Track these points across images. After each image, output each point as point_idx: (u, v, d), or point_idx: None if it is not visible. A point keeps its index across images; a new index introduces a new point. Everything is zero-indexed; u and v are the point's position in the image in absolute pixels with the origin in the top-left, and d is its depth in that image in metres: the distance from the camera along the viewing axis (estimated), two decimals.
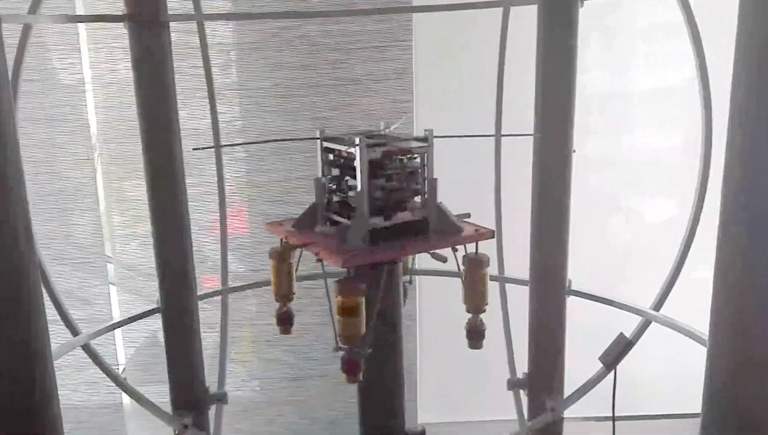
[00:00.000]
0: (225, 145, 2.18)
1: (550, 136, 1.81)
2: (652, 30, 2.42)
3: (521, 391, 2.04)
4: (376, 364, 1.40)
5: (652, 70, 2.48)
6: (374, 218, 1.31)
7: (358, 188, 1.27)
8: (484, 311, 1.45)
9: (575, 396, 1.94)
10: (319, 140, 1.37)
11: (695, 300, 1.77)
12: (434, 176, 1.34)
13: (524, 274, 1.95)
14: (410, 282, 1.53)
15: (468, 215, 1.42)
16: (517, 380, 2.02)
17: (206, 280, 2.40)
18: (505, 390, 2.04)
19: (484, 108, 2.06)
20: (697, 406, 2.72)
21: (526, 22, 1.82)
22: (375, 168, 1.29)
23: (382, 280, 1.33)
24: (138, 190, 2.39)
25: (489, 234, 1.35)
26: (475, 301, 1.43)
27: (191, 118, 2.25)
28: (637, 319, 1.91)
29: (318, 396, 2.56)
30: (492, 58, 2.02)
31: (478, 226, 1.40)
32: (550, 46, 1.76)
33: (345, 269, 1.26)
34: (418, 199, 1.39)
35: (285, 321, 1.54)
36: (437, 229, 1.37)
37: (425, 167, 1.33)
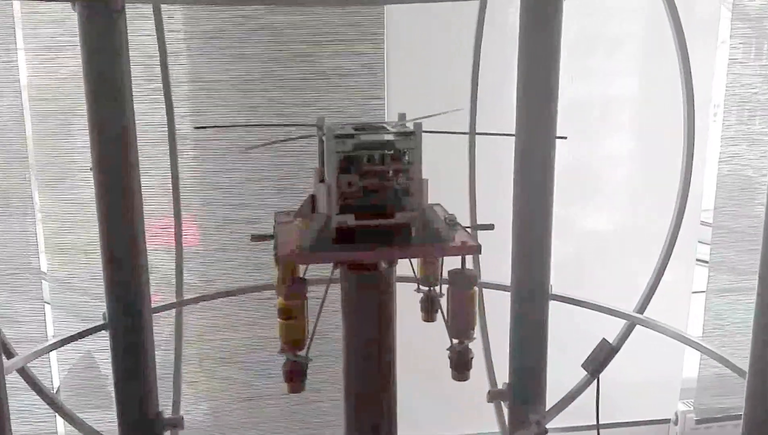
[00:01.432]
0: (224, 126, 2.01)
1: (532, 135, 1.74)
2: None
3: (502, 403, 1.93)
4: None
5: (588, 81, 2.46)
6: (344, 216, 1.17)
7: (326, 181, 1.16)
8: (472, 339, 1.28)
9: (559, 406, 1.85)
10: (317, 129, 1.23)
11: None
12: (423, 176, 1.19)
13: (500, 277, 1.87)
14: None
15: (491, 226, 1.30)
16: (497, 391, 1.92)
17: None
18: (485, 402, 1.93)
19: (461, 104, 1.96)
20: (669, 412, 2.73)
21: (505, 12, 1.75)
22: (351, 162, 1.18)
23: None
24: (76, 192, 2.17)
25: (476, 248, 1.18)
26: (460, 325, 1.26)
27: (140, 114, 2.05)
28: (608, 321, 1.85)
29: (276, 418, 2.38)
30: (468, 52, 1.93)
31: (470, 237, 1.23)
32: (533, 37, 1.68)
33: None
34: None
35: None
36: (422, 236, 1.20)
37: (411, 166, 1.19)
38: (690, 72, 1.71)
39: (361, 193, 1.17)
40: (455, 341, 1.28)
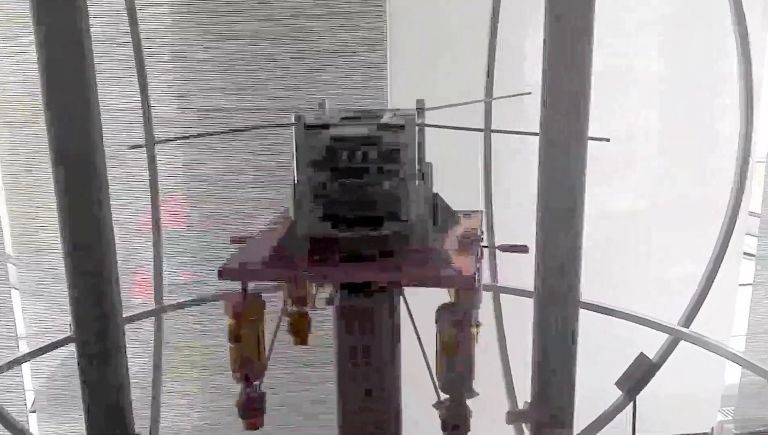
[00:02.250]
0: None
1: (561, 117, 1.50)
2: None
3: (524, 426, 1.71)
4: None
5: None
6: (318, 224, 0.97)
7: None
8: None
9: (590, 431, 1.62)
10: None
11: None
12: (417, 178, 0.96)
13: (523, 281, 1.62)
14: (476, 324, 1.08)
15: (524, 249, 1.15)
16: (518, 412, 1.69)
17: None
18: (504, 424, 1.70)
19: (475, 84, 1.72)
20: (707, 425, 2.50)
21: None
22: (331, 157, 0.98)
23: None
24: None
25: (471, 280, 0.92)
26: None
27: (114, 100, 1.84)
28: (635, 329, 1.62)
29: (274, 430, 2.17)
30: (482, 27, 1.69)
31: (473, 261, 0.96)
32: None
33: None
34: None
35: (254, 411, 1.04)
36: (414, 256, 0.96)
37: (403, 166, 0.97)
38: (749, 54, 1.46)
39: (342, 196, 0.97)
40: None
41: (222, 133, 1.92)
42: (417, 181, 0.96)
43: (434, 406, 1.03)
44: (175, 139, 1.83)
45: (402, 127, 0.94)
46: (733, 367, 2.38)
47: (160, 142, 1.77)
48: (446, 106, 1.01)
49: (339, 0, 1.90)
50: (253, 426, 1.04)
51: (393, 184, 0.96)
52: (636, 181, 2.29)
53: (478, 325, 1.03)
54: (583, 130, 1.46)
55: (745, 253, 2.38)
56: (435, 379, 1.03)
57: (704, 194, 2.23)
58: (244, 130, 1.90)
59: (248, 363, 1.00)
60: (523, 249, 1.13)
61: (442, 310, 0.99)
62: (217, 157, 1.99)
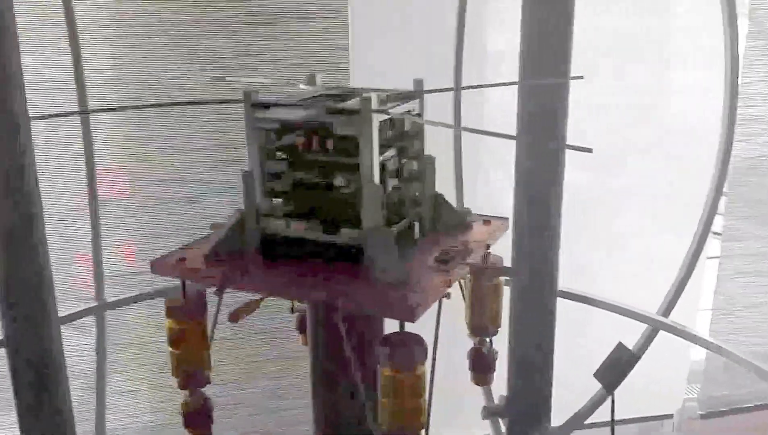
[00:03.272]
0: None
1: (538, 95, 1.39)
2: None
3: (500, 420, 1.62)
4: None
5: None
6: (277, 222, 0.85)
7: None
8: (495, 334, 1.08)
9: (570, 425, 1.55)
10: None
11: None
12: (374, 174, 0.80)
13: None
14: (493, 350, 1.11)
15: (517, 274, 1.01)
16: (494, 407, 1.60)
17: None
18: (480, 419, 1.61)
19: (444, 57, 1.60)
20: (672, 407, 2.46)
21: None
22: (281, 144, 0.86)
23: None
24: None
25: (410, 313, 0.76)
26: (483, 319, 1.04)
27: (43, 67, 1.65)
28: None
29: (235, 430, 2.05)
30: None
31: (428, 284, 0.82)
32: None
33: None
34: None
35: (200, 421, 0.94)
36: (375, 270, 0.81)
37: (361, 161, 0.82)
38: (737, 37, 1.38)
39: (295, 192, 0.84)
40: (476, 339, 1.06)
41: (156, 106, 1.73)
42: (376, 180, 0.80)
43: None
44: (108, 109, 1.65)
45: (356, 112, 0.78)
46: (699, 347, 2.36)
47: (92, 111, 1.59)
48: (447, 90, 0.88)
49: None
50: None
51: (346, 182, 0.82)
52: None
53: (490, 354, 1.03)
54: (562, 130, 1.37)
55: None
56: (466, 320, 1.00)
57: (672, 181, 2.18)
58: (187, 104, 1.72)
59: (191, 369, 0.90)
60: (509, 272, 1.01)
61: (474, 267, 0.90)
62: (160, 134, 1.82)
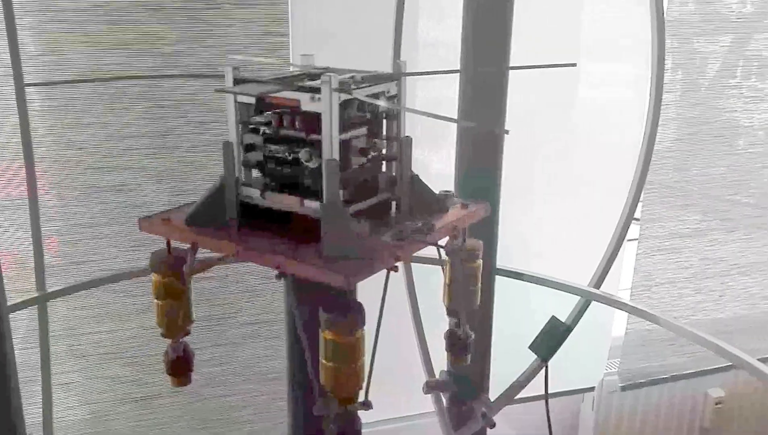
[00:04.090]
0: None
1: (479, 79, 1.46)
2: None
3: (441, 395, 1.69)
4: None
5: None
6: (253, 192, 0.91)
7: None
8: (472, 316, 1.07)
9: (507, 395, 1.63)
10: None
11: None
12: (334, 151, 0.84)
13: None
14: (468, 335, 1.09)
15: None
16: (435, 381, 1.66)
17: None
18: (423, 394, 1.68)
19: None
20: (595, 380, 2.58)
21: None
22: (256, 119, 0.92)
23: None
24: None
25: (345, 284, 0.80)
26: (461, 301, 1.05)
27: None
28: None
29: (174, 419, 2.03)
30: None
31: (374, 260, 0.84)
32: None
33: None
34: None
35: (182, 368, 1.00)
36: (317, 238, 0.85)
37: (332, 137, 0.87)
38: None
39: (268, 164, 0.90)
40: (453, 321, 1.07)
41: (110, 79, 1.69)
42: (335, 156, 0.84)
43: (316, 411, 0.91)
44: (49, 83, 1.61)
45: (317, 91, 0.83)
46: (620, 321, 2.51)
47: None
48: (423, 74, 0.92)
49: None
50: (181, 383, 1.01)
51: (309, 156, 0.86)
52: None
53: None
54: (501, 115, 1.44)
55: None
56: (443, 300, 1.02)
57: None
58: (167, 78, 1.68)
59: (170, 319, 0.96)
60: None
61: (452, 249, 0.95)
62: (97, 120, 1.78)
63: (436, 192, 0.99)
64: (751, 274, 2.55)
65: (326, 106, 0.82)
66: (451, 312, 1.07)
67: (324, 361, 0.83)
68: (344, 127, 0.85)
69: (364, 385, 0.86)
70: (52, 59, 1.68)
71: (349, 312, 0.81)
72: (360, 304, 0.83)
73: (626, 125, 2.22)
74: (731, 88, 2.32)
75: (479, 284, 1.05)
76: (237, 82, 0.88)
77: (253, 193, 0.90)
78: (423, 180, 0.95)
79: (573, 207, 2.32)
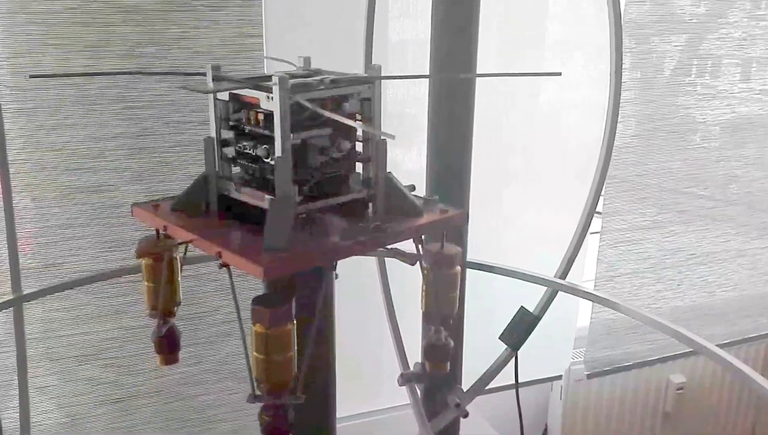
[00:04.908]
0: None
1: (448, 80, 1.52)
2: None
3: (416, 387, 1.74)
4: None
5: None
6: (231, 185, 0.96)
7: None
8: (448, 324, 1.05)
9: (479, 385, 1.69)
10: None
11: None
12: (285, 148, 0.87)
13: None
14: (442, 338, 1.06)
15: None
16: (410, 374, 1.71)
17: None
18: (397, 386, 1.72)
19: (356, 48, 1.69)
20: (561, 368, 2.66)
21: None
22: (229, 116, 0.97)
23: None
24: None
25: (258, 272, 0.81)
26: (439, 308, 1.03)
27: None
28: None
29: (151, 419, 2.05)
30: None
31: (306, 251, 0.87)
32: None
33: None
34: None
35: (169, 346, 1.02)
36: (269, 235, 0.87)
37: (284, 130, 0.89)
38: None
39: (240, 159, 0.95)
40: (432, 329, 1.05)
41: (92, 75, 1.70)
42: (284, 155, 0.86)
43: (248, 400, 0.90)
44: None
45: (270, 90, 0.86)
46: (585, 312, 2.59)
47: None
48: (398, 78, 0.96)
49: None
50: (170, 361, 1.04)
51: (266, 153, 0.89)
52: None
53: None
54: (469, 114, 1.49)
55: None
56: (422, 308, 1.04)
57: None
58: (148, 74, 1.69)
59: (159, 299, 0.99)
60: (412, 260, 1.00)
61: (432, 254, 0.97)
62: (75, 123, 1.79)
63: (422, 196, 1.00)
64: (708, 263, 2.66)
65: (277, 105, 0.85)
66: (427, 317, 1.06)
67: (255, 353, 0.84)
68: (303, 126, 0.89)
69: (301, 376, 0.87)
70: (21, 61, 1.68)
71: (274, 305, 0.82)
72: (287, 297, 0.84)
73: (587, 123, 2.31)
74: (686, 85, 2.43)
75: (458, 291, 1.03)
76: (216, 80, 0.92)
77: (231, 187, 0.95)
78: (398, 182, 0.96)
79: (537, 202, 2.39)
